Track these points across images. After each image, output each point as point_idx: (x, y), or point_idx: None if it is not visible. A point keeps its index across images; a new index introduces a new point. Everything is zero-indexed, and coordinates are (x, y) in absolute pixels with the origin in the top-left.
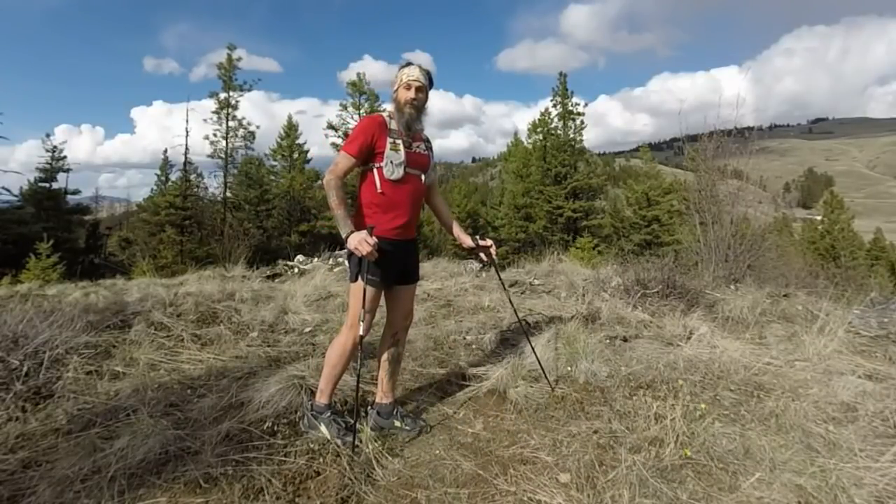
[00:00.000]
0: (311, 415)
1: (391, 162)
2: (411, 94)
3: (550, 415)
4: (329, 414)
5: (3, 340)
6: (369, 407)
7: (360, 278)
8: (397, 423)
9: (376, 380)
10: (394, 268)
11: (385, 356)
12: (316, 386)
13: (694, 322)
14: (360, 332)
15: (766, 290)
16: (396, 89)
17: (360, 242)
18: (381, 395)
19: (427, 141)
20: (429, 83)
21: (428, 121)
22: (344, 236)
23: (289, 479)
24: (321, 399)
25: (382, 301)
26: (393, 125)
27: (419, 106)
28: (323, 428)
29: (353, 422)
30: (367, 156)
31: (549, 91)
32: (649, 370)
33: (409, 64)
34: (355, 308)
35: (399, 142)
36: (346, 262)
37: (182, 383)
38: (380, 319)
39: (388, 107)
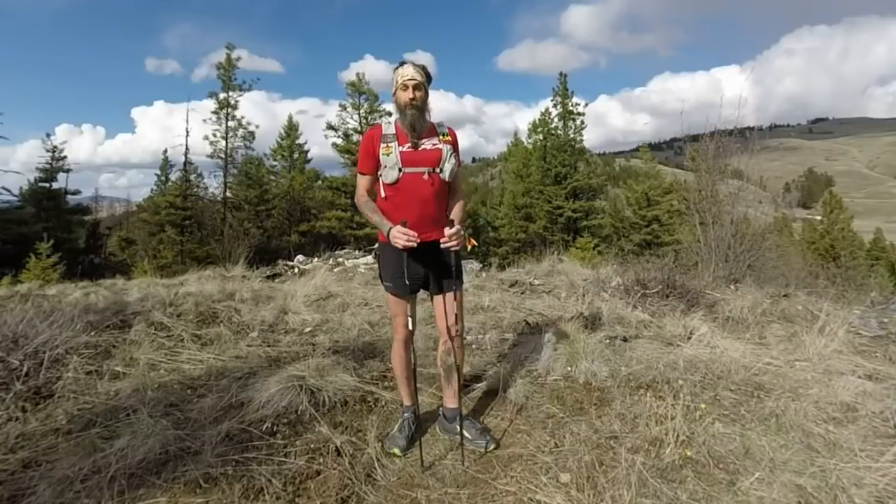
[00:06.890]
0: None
1: (385, 166)
2: (409, 94)
3: (550, 415)
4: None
5: (3, 340)
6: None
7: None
8: (465, 432)
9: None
10: (411, 273)
11: (439, 362)
12: (316, 386)
13: (694, 322)
14: (396, 336)
15: (766, 291)
16: (395, 91)
17: (396, 234)
18: (447, 400)
19: (443, 135)
20: (426, 79)
21: (433, 116)
22: (386, 234)
23: (289, 479)
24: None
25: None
26: (391, 129)
27: (419, 105)
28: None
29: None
30: (376, 167)
31: (549, 91)
32: (649, 370)
33: (402, 63)
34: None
35: (392, 144)
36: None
37: (182, 383)
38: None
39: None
